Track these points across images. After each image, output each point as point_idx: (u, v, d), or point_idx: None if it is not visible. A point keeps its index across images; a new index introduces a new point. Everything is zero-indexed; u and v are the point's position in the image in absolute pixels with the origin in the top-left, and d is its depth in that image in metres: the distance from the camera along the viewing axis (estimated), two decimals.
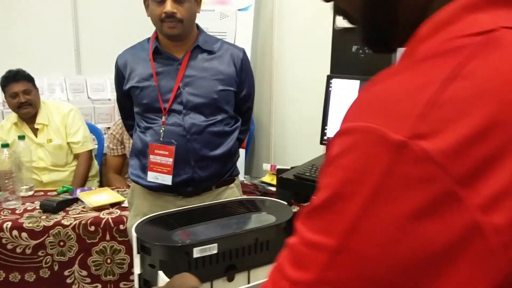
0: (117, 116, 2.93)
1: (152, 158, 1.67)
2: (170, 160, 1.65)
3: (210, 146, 1.69)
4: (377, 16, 0.50)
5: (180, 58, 1.69)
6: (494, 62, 0.37)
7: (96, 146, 2.84)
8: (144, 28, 1.98)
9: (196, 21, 1.74)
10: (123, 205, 2.12)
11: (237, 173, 1.86)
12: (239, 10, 2.80)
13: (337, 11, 0.53)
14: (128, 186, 2.50)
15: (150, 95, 1.68)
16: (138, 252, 1.03)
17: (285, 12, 2.67)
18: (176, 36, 1.65)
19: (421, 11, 0.47)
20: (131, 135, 1.88)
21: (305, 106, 2.54)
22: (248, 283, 1.14)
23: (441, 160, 0.34)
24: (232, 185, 1.81)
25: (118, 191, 2.30)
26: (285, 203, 1.24)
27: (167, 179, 1.66)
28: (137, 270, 1.03)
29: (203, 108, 1.67)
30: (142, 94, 1.70)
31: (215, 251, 1.04)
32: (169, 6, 1.58)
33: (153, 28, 1.71)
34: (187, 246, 1.01)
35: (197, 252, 1.02)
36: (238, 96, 1.77)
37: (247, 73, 1.80)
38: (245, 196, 1.51)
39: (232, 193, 1.80)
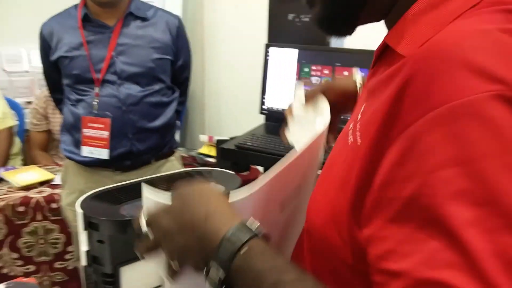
0: (38, 90, 2.75)
1: (85, 131, 1.59)
2: (106, 133, 1.57)
3: (148, 118, 1.63)
4: None
5: (112, 25, 1.60)
6: None
7: (17, 122, 2.64)
8: None
9: None
10: (53, 182, 2.01)
11: (177, 146, 1.83)
12: None
13: None
14: (56, 163, 2.37)
15: (81, 65, 1.58)
16: (85, 229, 0.98)
17: None
18: (107, 3, 1.56)
19: None
20: (60, 109, 1.77)
21: (240, 76, 2.52)
22: None
23: None
24: (172, 157, 1.78)
25: (46, 169, 2.17)
26: (232, 172, 1.23)
27: (103, 153, 1.59)
28: (84, 247, 0.98)
29: (139, 77, 1.60)
30: (72, 65, 1.59)
31: None
32: None
33: None
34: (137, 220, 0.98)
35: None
36: (175, 65, 1.72)
37: (184, 41, 1.75)
38: (191, 168, 1.48)
39: (172, 166, 1.77)
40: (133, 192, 1.09)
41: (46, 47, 1.65)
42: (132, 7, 1.62)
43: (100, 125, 1.57)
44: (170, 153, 1.79)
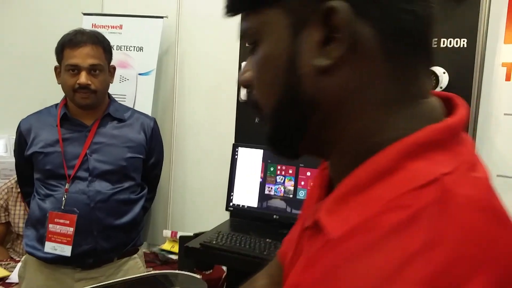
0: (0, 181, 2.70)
1: (51, 227, 1.57)
2: (70, 230, 1.56)
3: (115, 215, 1.64)
4: (287, 121, 0.49)
5: (89, 125, 1.66)
6: (458, 220, 0.38)
7: None
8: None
9: None
10: (8, 280, 1.92)
11: (141, 243, 1.81)
12: (140, 74, 2.81)
13: (250, 101, 0.52)
14: (11, 258, 2.28)
15: (54, 161, 1.61)
16: None
17: (187, 80, 2.74)
18: (88, 106, 1.63)
19: (338, 129, 0.47)
20: (27, 203, 1.76)
21: (207, 173, 2.58)
22: None
23: None
24: (135, 255, 1.76)
25: (1, 265, 2.08)
26: (198, 276, 1.24)
27: (66, 250, 1.56)
28: None
29: (110, 175, 1.63)
30: (46, 160, 1.62)
31: None
32: (83, 78, 1.57)
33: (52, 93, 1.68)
34: None
35: None
36: (146, 163, 1.77)
37: (157, 141, 1.83)
38: (156, 271, 1.46)
39: (135, 264, 1.74)
40: None
41: (22, 142, 1.68)
42: (110, 108, 1.69)
43: (66, 221, 1.56)
44: (134, 251, 1.76)
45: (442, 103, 0.50)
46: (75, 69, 1.58)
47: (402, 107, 0.46)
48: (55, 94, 1.82)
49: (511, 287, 0.38)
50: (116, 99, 2.29)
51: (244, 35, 0.51)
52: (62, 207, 1.58)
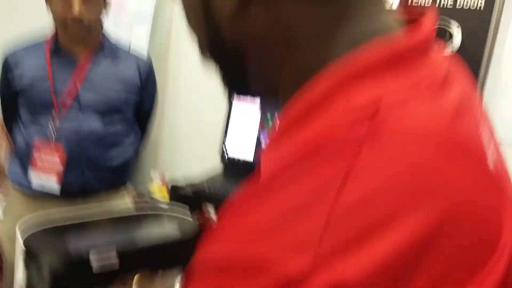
0: None
1: (37, 158, 1.50)
2: (58, 162, 1.49)
3: (107, 155, 1.60)
4: (224, 65, 0.46)
5: (81, 58, 1.58)
6: (391, 153, 0.32)
7: None
8: None
9: None
10: None
11: (130, 179, 1.80)
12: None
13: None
14: None
15: (42, 93, 1.55)
16: (24, 262, 0.89)
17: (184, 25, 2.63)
18: (81, 38, 1.53)
19: (275, 67, 0.41)
20: (12, 137, 1.69)
21: (202, 118, 2.50)
22: None
23: None
24: (123, 192, 1.72)
25: None
26: (189, 213, 1.18)
27: (53, 183, 1.51)
28: (20, 281, 0.89)
29: (102, 112, 1.58)
30: (33, 92, 1.56)
31: (115, 261, 0.94)
32: (76, 6, 1.47)
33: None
34: (84, 255, 0.90)
35: (95, 261, 0.91)
36: (140, 106, 1.72)
37: (152, 85, 1.78)
38: (147, 205, 1.41)
39: (122, 201, 1.71)
40: (79, 226, 1.02)
41: (8, 74, 1.60)
42: (104, 43, 1.62)
43: (54, 153, 1.50)
44: (123, 187, 1.74)
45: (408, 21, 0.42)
46: None
47: (341, 29, 0.38)
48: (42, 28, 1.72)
49: (456, 226, 0.32)
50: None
51: None
52: (51, 140, 1.51)
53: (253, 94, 0.49)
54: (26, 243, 0.88)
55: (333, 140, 0.32)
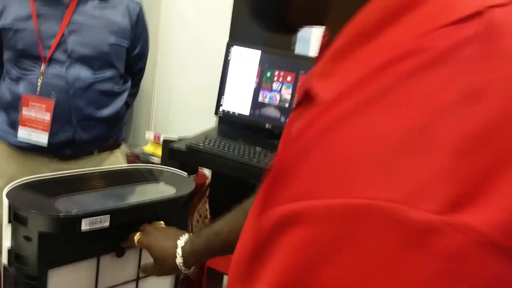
0: None
1: (25, 111, 1.43)
2: (47, 116, 1.42)
3: (96, 105, 1.51)
4: None
5: (67, 1, 1.46)
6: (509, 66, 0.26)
7: None
8: None
9: None
10: None
11: (123, 139, 1.72)
12: None
13: None
14: None
15: (27, 39, 1.43)
16: (10, 222, 0.84)
17: None
18: None
19: None
20: None
21: (197, 74, 2.41)
22: (140, 259, 1.02)
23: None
24: (117, 150, 1.66)
25: None
26: (185, 174, 1.13)
27: (42, 138, 1.44)
28: (7, 242, 0.85)
29: (91, 61, 1.48)
30: (17, 37, 1.43)
31: (106, 224, 0.89)
32: None
33: None
34: (74, 217, 0.86)
35: (85, 224, 0.86)
36: (130, 53, 1.61)
37: (143, 29, 1.66)
38: (139, 164, 1.36)
39: (116, 160, 1.65)
40: (71, 185, 0.97)
41: None
42: None
43: (42, 106, 1.42)
44: (116, 145, 1.67)
45: None
46: None
47: None
48: None
49: None
50: None
51: None
52: (38, 91, 1.43)
53: (289, 22, 0.41)
54: (13, 206, 0.83)
55: (428, 50, 0.26)
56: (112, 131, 1.61)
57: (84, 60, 1.46)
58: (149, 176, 1.09)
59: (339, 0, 0.35)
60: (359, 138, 0.26)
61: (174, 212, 1.02)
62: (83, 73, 1.46)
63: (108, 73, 1.52)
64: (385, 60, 0.27)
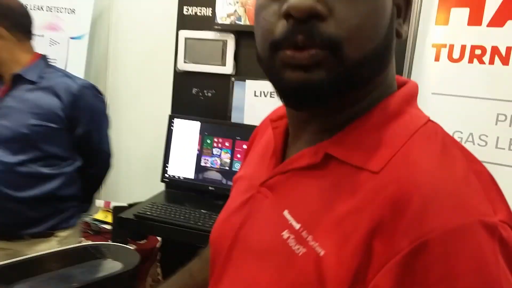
0: None
1: None
2: None
3: (14, 187, 1.51)
4: (370, 63, 0.50)
5: (1, 86, 1.55)
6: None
7: None
8: None
9: None
10: None
11: (62, 227, 1.63)
12: (71, 38, 2.68)
13: (318, 33, 0.47)
14: None
15: None
16: None
17: (121, 46, 2.65)
18: None
19: (375, 80, 0.53)
20: None
21: (142, 143, 2.53)
22: None
23: None
24: (51, 238, 1.61)
25: None
26: (131, 247, 1.24)
27: None
28: None
29: (10, 143, 1.51)
30: None
31: None
32: None
33: None
34: None
35: None
36: (72, 134, 1.60)
37: (84, 109, 1.60)
38: (88, 242, 1.43)
39: (50, 247, 1.57)
40: (25, 270, 1.05)
41: None
42: (23, 70, 1.55)
43: None
44: (48, 234, 1.60)
45: None
46: None
47: (390, 67, 0.56)
48: None
49: None
50: None
51: None
52: None
53: (334, 96, 0.51)
54: None
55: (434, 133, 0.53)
56: (41, 213, 1.58)
57: (4, 142, 1.50)
58: (97, 253, 1.18)
59: (364, 97, 0.54)
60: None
61: (124, 285, 1.12)
62: (1, 154, 1.50)
63: (31, 155, 1.52)
64: (404, 142, 0.51)
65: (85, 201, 1.77)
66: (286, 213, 0.54)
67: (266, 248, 0.55)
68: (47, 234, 1.60)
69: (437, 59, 1.91)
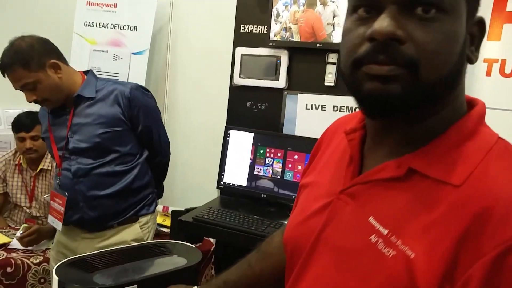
0: None
1: (52, 203, 1.78)
2: (62, 209, 1.73)
3: (98, 187, 1.73)
4: (443, 85, 0.58)
5: (69, 108, 1.76)
6: None
7: None
8: None
9: (91, 60, 1.85)
10: (9, 246, 2.03)
11: (143, 213, 1.86)
12: (133, 53, 2.87)
13: (400, 55, 0.54)
14: (10, 226, 2.38)
15: (49, 145, 1.80)
16: None
17: (180, 61, 2.81)
18: (54, 107, 1.75)
19: (448, 103, 0.61)
20: None
21: (198, 152, 2.68)
22: None
23: None
24: (135, 224, 1.84)
25: (1, 232, 2.18)
26: (193, 246, 1.35)
27: (58, 225, 1.75)
28: None
29: (88, 152, 1.72)
30: (46, 144, 1.86)
31: None
32: (27, 98, 1.66)
33: None
34: None
35: None
36: (135, 132, 1.80)
37: (139, 107, 1.77)
38: (154, 240, 1.58)
39: (132, 231, 1.83)
40: (104, 261, 1.19)
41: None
42: (80, 89, 1.74)
43: (59, 201, 1.74)
44: (133, 219, 1.83)
45: None
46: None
47: (461, 87, 0.62)
48: None
49: None
50: (110, 77, 2.38)
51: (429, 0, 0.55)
52: (58, 187, 1.75)
53: (407, 116, 0.60)
54: (61, 282, 1.05)
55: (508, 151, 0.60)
56: (123, 205, 1.80)
57: (83, 152, 1.73)
58: (164, 250, 1.31)
59: (438, 117, 0.61)
60: None
61: (187, 279, 1.24)
62: (83, 163, 1.73)
63: (108, 157, 1.74)
64: (481, 159, 0.57)
65: (158, 187, 1.99)
66: (371, 219, 0.60)
67: (353, 250, 0.61)
68: (132, 220, 1.83)
69: (488, 74, 1.94)
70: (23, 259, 1.97)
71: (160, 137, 1.90)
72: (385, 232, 0.58)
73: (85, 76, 1.80)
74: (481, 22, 0.61)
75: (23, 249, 2.06)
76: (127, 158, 1.78)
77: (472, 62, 0.61)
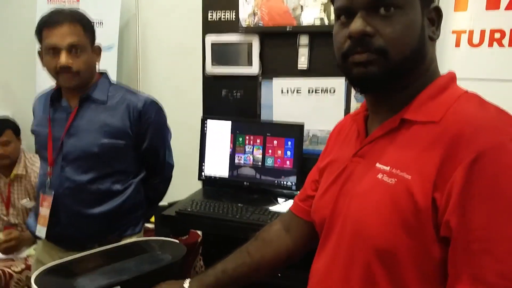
0: None
1: (40, 209, 1.59)
2: (47, 212, 1.56)
3: (85, 204, 1.56)
4: (407, 64, 0.76)
5: (73, 107, 1.59)
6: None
7: None
8: None
9: None
10: None
11: (128, 234, 1.67)
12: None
13: (371, 46, 0.74)
14: None
15: (42, 141, 1.60)
16: None
17: (150, 54, 2.76)
18: (73, 87, 1.55)
19: (421, 73, 0.79)
20: None
21: (177, 145, 2.63)
22: None
23: None
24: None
25: None
26: (177, 241, 1.33)
27: (41, 231, 1.58)
28: None
29: (81, 161, 1.55)
30: (37, 140, 1.63)
31: None
32: (63, 58, 1.47)
33: None
34: None
35: None
36: (138, 149, 1.65)
37: (149, 124, 1.64)
38: (138, 238, 1.54)
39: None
40: (87, 264, 1.16)
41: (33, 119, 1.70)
42: (92, 89, 1.59)
43: (46, 203, 1.56)
44: (115, 241, 1.54)
45: None
46: (55, 50, 1.48)
47: (429, 60, 0.80)
48: None
49: None
50: None
51: (387, 2, 0.73)
52: (47, 189, 1.57)
53: (387, 88, 0.79)
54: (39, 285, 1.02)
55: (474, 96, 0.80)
56: (111, 227, 1.62)
57: (74, 161, 1.55)
58: (148, 247, 1.29)
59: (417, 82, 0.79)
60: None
61: (173, 274, 1.21)
62: (71, 173, 1.55)
63: (102, 172, 1.56)
64: (453, 103, 0.76)
65: (149, 208, 1.81)
66: (377, 164, 0.79)
67: (366, 191, 0.79)
68: (114, 240, 1.58)
69: (457, 45, 1.94)
70: (4, 268, 1.93)
71: (164, 159, 1.76)
72: (387, 168, 0.77)
73: (100, 78, 1.63)
74: (437, 9, 0.79)
75: (4, 258, 2.01)
76: (119, 176, 1.62)
77: (433, 40, 0.80)
